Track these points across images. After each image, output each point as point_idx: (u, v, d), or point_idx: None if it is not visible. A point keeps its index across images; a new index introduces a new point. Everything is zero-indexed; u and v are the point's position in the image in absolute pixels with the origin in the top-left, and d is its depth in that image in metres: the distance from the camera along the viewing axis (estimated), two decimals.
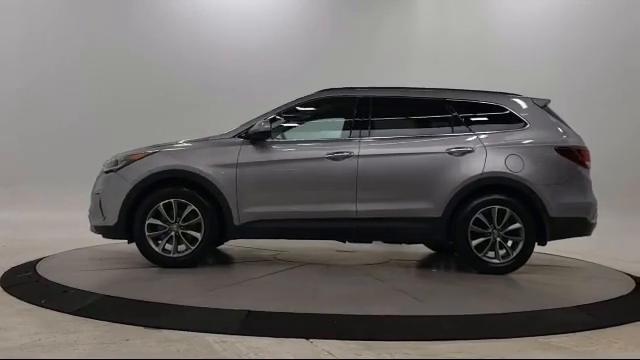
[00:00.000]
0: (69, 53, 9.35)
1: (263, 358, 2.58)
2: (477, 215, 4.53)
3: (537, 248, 4.69)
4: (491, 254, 4.58)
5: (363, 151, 4.61)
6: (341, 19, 10.51)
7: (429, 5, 10.77)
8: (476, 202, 4.53)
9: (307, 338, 2.85)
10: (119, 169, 4.61)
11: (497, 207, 4.53)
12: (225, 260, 5.37)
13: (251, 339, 2.82)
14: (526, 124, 4.74)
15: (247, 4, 10.12)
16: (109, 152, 5.72)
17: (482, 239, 4.56)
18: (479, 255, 4.55)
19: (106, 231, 4.64)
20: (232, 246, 5.89)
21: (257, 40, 9.99)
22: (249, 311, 3.15)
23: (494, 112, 4.83)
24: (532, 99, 4.89)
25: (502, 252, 4.59)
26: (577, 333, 3.10)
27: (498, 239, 4.55)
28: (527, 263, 4.65)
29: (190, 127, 7.36)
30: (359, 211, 4.55)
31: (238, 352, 2.64)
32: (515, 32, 9.89)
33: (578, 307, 3.56)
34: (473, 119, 4.81)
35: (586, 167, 4.74)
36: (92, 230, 4.80)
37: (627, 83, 9.17)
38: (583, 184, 4.68)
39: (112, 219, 4.52)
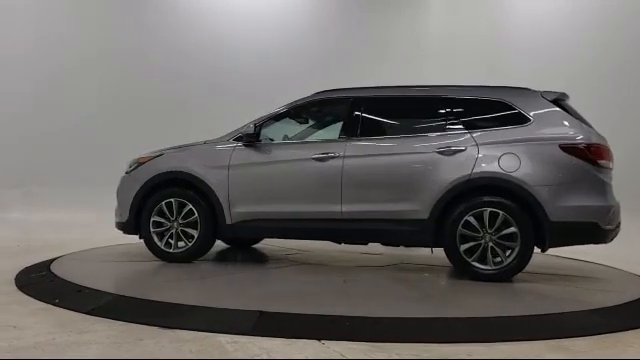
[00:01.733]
0: (78, 55, 9.38)
1: (275, 358, 2.58)
2: (467, 218, 4.24)
3: (550, 251, 4.50)
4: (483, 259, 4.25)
5: (349, 152, 4.56)
6: (352, 20, 10.48)
7: (441, 6, 10.72)
8: (465, 204, 4.27)
9: (318, 339, 2.85)
10: (131, 171, 5.05)
11: (489, 210, 4.22)
12: (232, 258, 5.46)
13: (263, 339, 2.82)
14: (529, 120, 4.37)
15: (257, 4, 10.13)
16: (119, 153, 5.81)
17: (473, 243, 4.26)
18: (468, 260, 4.27)
19: (122, 227, 5.02)
20: (267, 245, 6.09)
21: (267, 40, 9.99)
22: (261, 312, 3.16)
23: (493, 108, 4.50)
24: (541, 93, 4.56)
25: (498, 259, 4.24)
26: (592, 337, 3.06)
27: (490, 244, 4.22)
28: (541, 266, 4.52)
29: (199, 128, 7.37)
30: (344, 212, 4.52)
31: (250, 352, 2.64)
32: (528, 33, 9.80)
33: (593, 310, 3.52)
34: (469, 116, 4.53)
35: (600, 166, 4.24)
36: (115, 226, 5.12)
37: None
38: (595, 185, 4.20)
39: (125, 216, 4.93)
